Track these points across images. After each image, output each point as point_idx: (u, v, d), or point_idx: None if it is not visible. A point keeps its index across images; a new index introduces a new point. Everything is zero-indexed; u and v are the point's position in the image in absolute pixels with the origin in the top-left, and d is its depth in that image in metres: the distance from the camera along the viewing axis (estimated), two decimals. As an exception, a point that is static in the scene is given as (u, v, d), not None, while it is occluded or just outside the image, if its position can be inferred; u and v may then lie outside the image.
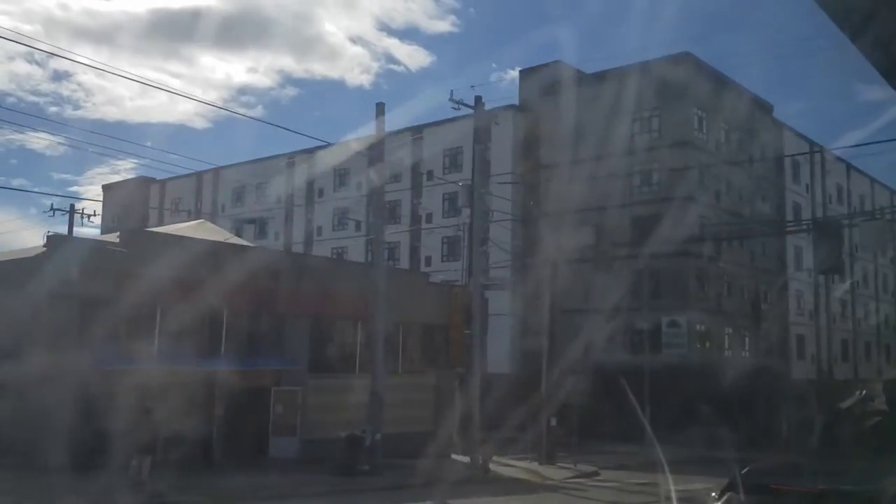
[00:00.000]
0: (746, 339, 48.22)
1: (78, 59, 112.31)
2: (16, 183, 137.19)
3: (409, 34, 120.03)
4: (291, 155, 60.94)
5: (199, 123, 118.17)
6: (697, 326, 44.55)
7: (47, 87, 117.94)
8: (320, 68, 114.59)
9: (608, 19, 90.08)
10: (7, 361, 20.50)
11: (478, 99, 31.03)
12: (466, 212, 34.87)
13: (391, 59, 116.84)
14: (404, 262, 53.36)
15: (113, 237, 24.75)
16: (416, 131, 54.04)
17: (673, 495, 7.70)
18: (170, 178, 65.16)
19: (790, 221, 49.36)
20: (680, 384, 37.99)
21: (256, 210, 63.76)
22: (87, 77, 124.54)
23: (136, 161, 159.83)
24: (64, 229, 41.47)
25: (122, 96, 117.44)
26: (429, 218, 53.47)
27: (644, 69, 43.62)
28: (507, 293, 47.87)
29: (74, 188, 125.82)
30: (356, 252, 53.86)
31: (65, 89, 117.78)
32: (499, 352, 48.05)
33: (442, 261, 51.20)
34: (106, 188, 76.13)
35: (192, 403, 22.95)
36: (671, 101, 44.64)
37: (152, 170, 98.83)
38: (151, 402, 20.32)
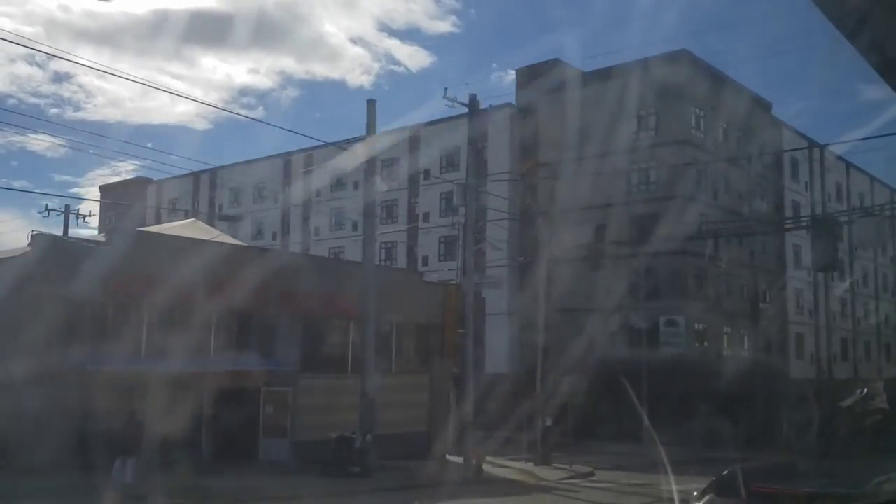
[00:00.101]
0: (745, 338, 47.92)
1: (79, 61, 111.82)
2: (17, 185, 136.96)
3: (409, 35, 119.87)
4: (289, 155, 60.73)
5: (200, 125, 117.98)
6: (696, 325, 44.29)
7: (48, 88, 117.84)
8: (321, 69, 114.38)
9: (608, 19, 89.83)
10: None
11: (472, 97, 30.73)
12: (463, 211, 34.58)
13: (392, 59, 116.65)
14: (401, 262, 53.14)
15: (101, 237, 24.46)
16: (414, 131, 53.83)
17: (676, 496, 7.33)
18: (167, 179, 64.96)
19: (789, 218, 49.07)
20: (678, 383, 37.72)
21: (254, 210, 63.59)
22: (87, 79, 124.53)
23: (137, 162, 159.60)
24: (60, 230, 41.18)
25: (122, 98, 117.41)
26: (426, 217, 53.24)
27: (642, 68, 43.38)
28: (506, 292, 47.63)
29: (75, 189, 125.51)
30: (354, 252, 53.42)
31: (65, 91, 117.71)
32: (497, 351, 47.79)
33: (439, 260, 50.98)
34: (103, 189, 76.04)
35: (180, 404, 22.61)
36: (669, 99, 44.34)
37: (153, 171, 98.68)
38: (136, 402, 20.04)
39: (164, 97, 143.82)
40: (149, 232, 27.38)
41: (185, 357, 23.32)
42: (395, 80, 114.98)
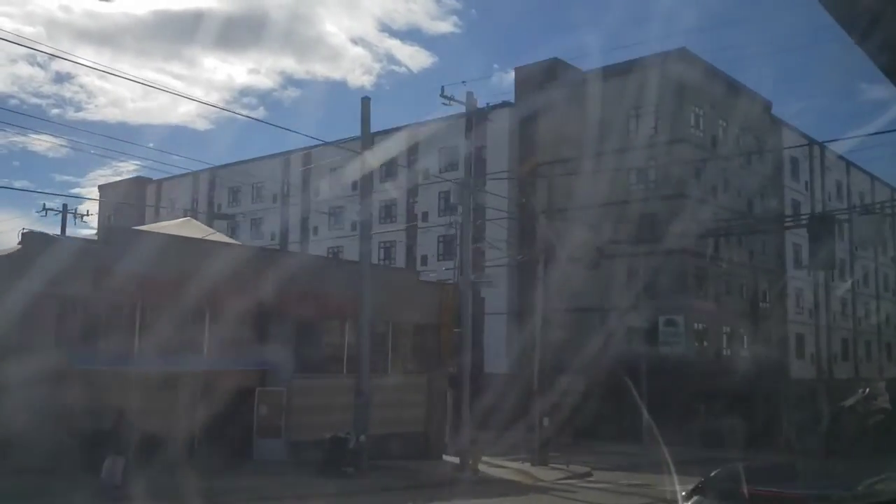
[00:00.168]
0: (745, 337, 47.69)
1: (80, 61, 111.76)
2: (18, 185, 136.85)
3: (410, 35, 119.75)
4: (287, 154, 60.60)
5: (201, 125, 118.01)
6: (695, 325, 44.10)
7: (49, 89, 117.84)
8: (322, 69, 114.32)
9: (609, 18, 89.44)
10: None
11: (469, 95, 30.59)
12: (460, 210, 34.38)
13: (393, 59, 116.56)
14: (400, 262, 52.98)
15: (94, 236, 24.29)
16: (413, 130, 53.63)
17: (679, 497, 7.12)
18: (166, 178, 64.92)
19: (789, 216, 48.85)
20: (677, 383, 37.56)
21: (253, 210, 63.48)
22: (88, 79, 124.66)
23: (138, 163, 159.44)
24: (59, 230, 41.04)
25: (123, 98, 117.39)
26: (424, 217, 53.07)
27: (641, 66, 43.20)
28: (505, 292, 47.49)
29: (76, 189, 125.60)
30: (353, 251, 52.92)
31: (67, 91, 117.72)
32: (496, 351, 47.63)
33: (438, 260, 50.77)
34: (102, 188, 75.93)
35: (173, 404, 22.52)
36: (668, 97, 44.11)
37: (155, 171, 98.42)
38: (127, 402, 19.85)
39: (166, 97, 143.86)
40: (141, 230, 27.20)
41: (177, 357, 23.21)
42: (395, 81, 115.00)
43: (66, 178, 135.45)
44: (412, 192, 53.84)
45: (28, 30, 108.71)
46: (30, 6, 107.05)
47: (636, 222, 43.02)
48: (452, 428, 30.22)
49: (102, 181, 79.14)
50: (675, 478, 9.22)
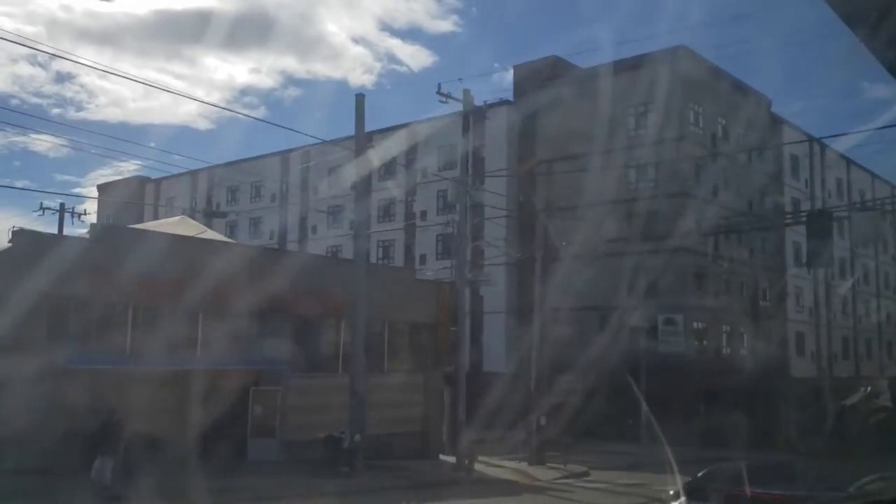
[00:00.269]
0: (745, 336, 47.50)
1: (81, 61, 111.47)
2: (19, 185, 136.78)
3: (411, 34, 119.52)
4: (286, 153, 60.43)
5: (202, 124, 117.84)
6: (695, 324, 43.90)
7: (50, 88, 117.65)
8: (323, 69, 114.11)
9: (612, 16, 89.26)
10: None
11: (466, 92, 30.47)
12: (458, 208, 34.20)
13: (394, 59, 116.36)
14: (399, 261, 52.78)
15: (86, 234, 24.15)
16: (411, 128, 53.47)
17: (682, 498, 6.94)
18: (164, 178, 64.73)
19: (789, 213, 48.63)
20: (677, 382, 37.38)
21: (251, 208, 63.32)
22: (89, 79, 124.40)
23: (139, 162, 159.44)
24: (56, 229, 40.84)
25: (124, 98, 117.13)
26: (423, 216, 52.86)
27: (640, 63, 42.98)
28: (504, 291, 47.32)
29: (77, 189, 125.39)
30: (351, 250, 52.82)
31: (68, 91, 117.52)
32: (495, 350, 47.46)
33: (437, 258, 50.55)
34: (101, 188, 75.76)
35: (166, 404, 22.39)
36: (667, 95, 43.87)
37: (156, 171, 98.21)
38: (120, 402, 19.71)
39: (166, 97, 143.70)
40: (133, 229, 27.04)
41: (171, 356, 23.06)
42: (397, 80, 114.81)
43: (67, 177, 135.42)
44: (411, 191, 53.64)
45: (29, 29, 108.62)
46: (31, 6, 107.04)
47: (635, 220, 42.84)
48: (450, 427, 30.06)
49: (103, 181, 78.98)
50: (678, 477, 8.97)
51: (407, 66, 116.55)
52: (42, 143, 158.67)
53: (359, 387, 23.88)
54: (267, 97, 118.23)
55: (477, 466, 26.74)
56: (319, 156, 52.37)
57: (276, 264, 26.21)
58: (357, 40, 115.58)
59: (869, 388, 40.52)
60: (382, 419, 27.41)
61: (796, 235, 48.31)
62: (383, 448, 26.49)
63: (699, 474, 7.65)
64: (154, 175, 67.63)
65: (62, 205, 43.18)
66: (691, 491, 7.54)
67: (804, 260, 46.14)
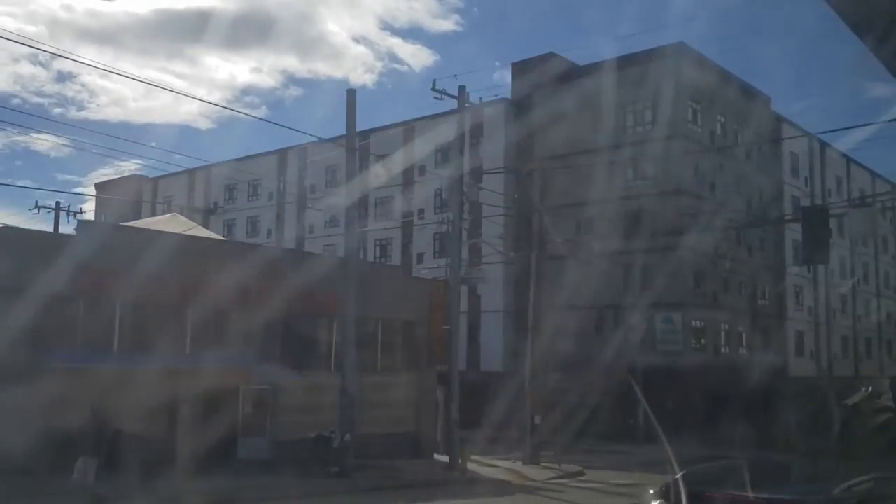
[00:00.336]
0: (744, 335, 47.20)
1: (82, 60, 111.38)
2: (29, 187, 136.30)
3: (412, 33, 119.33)
4: (283, 151, 60.19)
5: (203, 124, 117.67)
6: (693, 323, 43.61)
7: (51, 88, 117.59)
8: (324, 68, 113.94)
9: (613, 15, 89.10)
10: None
11: (461, 88, 30.19)
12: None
13: (395, 58, 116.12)
14: (396, 259, 52.51)
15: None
16: (409, 126, 53.23)
17: (684, 499, 6.61)
18: (162, 176, 64.53)
19: (788, 215, 48.30)
20: (675, 382, 37.11)
21: (249, 206, 63.08)
22: (90, 78, 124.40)
23: (140, 162, 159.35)
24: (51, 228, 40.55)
25: (126, 97, 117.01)
26: (420, 214, 52.56)
27: (638, 60, 42.70)
28: (501, 289, 47.02)
29: (79, 189, 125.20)
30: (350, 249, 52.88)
31: (69, 90, 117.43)
32: (492, 349, 47.26)
33: (434, 257, 50.25)
34: (99, 187, 75.53)
35: (154, 403, 22.02)
36: (666, 92, 43.54)
37: (157, 170, 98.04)
38: (107, 401, 19.40)
39: (168, 96, 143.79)
40: (120, 226, 26.72)
41: (158, 354, 22.71)
42: (398, 79, 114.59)
43: (68, 177, 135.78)
44: (408, 189, 53.32)
45: (30, 29, 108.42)
46: (32, 5, 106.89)
47: (633, 219, 42.48)
48: (444, 427, 29.76)
49: (103, 180, 78.77)
50: (680, 477, 8.60)
51: (408, 66, 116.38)
52: (43, 142, 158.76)
53: (349, 386, 23.57)
54: (268, 97, 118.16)
55: (471, 466, 26.45)
56: (317, 154, 52.12)
57: (267, 262, 25.91)
58: (358, 40, 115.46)
59: (870, 388, 40.22)
60: (375, 418, 27.13)
61: (796, 234, 47.97)
62: (376, 448, 26.18)
63: (676, 476, 7.33)
64: (155, 174, 67.50)
65: (58, 203, 43.05)
66: (667, 493, 7.22)
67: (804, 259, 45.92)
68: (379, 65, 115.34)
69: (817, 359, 53.04)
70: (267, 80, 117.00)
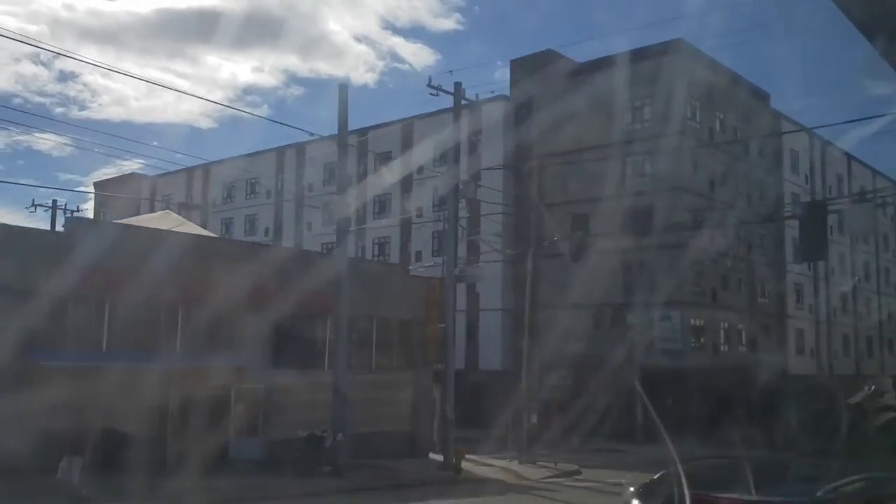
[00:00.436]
0: (743, 333, 46.91)
1: (84, 60, 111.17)
2: (27, 186, 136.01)
3: (413, 32, 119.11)
4: (281, 149, 59.96)
5: (205, 123, 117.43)
6: (692, 321, 43.32)
7: (53, 87, 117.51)
8: (325, 67, 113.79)
9: (617, 16, 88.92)
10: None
11: (457, 85, 29.95)
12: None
13: (396, 57, 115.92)
14: (395, 258, 52.23)
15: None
16: (407, 124, 52.93)
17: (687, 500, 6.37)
18: (161, 175, 64.32)
19: (788, 211, 47.98)
20: (674, 380, 36.85)
21: (247, 205, 62.87)
22: (92, 77, 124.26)
23: (142, 161, 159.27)
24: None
25: (127, 96, 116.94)
26: (419, 213, 52.29)
27: (637, 57, 42.39)
28: (500, 287, 46.74)
29: (80, 189, 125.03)
30: (348, 248, 52.58)
31: (71, 90, 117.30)
32: (491, 348, 46.99)
33: (432, 255, 49.96)
34: (98, 185, 75.37)
35: (145, 402, 21.79)
36: (664, 89, 43.24)
37: (158, 170, 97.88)
38: (91, 400, 19.18)
39: (169, 96, 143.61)
40: (109, 223, 26.47)
41: (148, 353, 22.49)
42: (399, 78, 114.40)
43: (70, 176, 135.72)
44: (406, 187, 53.07)
45: (32, 28, 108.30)
46: (34, 5, 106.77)
47: (631, 216, 42.20)
48: (440, 425, 29.51)
49: (102, 179, 78.57)
50: (683, 476, 8.30)
51: (409, 65, 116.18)
52: (45, 141, 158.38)
53: (341, 385, 23.34)
54: (269, 96, 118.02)
55: (466, 465, 26.23)
56: (315, 152, 51.87)
57: (260, 259, 25.67)
58: (360, 39, 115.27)
59: (873, 387, 39.93)
60: (370, 417, 26.91)
61: (796, 232, 47.52)
62: (370, 447, 25.96)
63: (656, 476, 7.08)
64: (157, 174, 67.32)
65: (54, 202, 42.84)
66: (647, 494, 6.97)
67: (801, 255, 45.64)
68: (380, 64, 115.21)
69: (818, 357, 52.76)
70: (269, 80, 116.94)
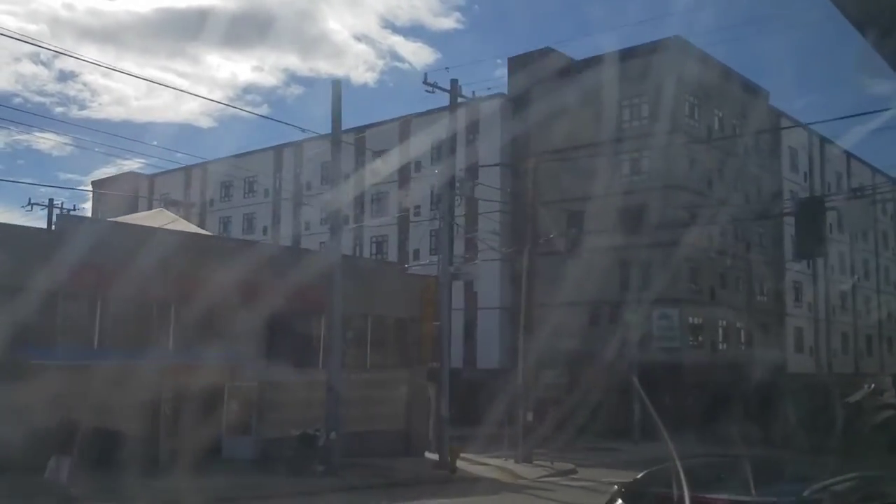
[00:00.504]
0: (742, 331, 46.73)
1: (84, 59, 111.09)
2: (25, 185, 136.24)
3: (413, 31, 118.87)
4: (279, 148, 59.81)
5: (205, 122, 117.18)
6: (691, 319, 43.16)
7: (53, 87, 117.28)
8: (325, 66, 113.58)
9: (619, 15, 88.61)
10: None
11: (453, 82, 29.82)
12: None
13: (396, 56, 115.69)
14: (392, 256, 52.08)
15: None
16: (404, 122, 52.76)
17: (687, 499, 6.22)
18: (159, 173, 64.26)
19: (787, 208, 47.78)
20: (672, 379, 36.70)
21: (244, 204, 62.72)
22: (92, 77, 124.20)
23: (142, 160, 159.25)
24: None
25: (127, 96, 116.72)
26: (416, 211, 52.12)
27: (635, 55, 42.23)
28: (498, 286, 46.58)
29: (81, 188, 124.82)
30: (344, 245, 52.27)
31: (71, 89, 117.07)
32: (489, 346, 46.83)
33: (430, 254, 49.76)
34: (95, 184, 75.23)
35: (137, 400, 21.62)
36: (662, 87, 43.03)
37: (159, 169, 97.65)
38: (83, 398, 19.01)
39: (169, 95, 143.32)
40: (100, 220, 26.31)
41: (140, 350, 22.32)
42: (399, 77, 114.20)
43: (70, 176, 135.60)
44: (404, 185, 52.89)
45: (31, 28, 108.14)
46: (33, 4, 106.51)
47: (629, 214, 42.01)
48: (436, 424, 29.33)
49: (100, 178, 78.42)
50: (683, 475, 8.11)
51: (409, 64, 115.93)
52: (46, 141, 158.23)
53: (335, 383, 23.15)
54: (269, 95, 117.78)
55: (462, 464, 26.04)
56: (313, 150, 51.71)
57: (253, 256, 25.49)
58: (359, 38, 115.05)
59: (873, 385, 39.75)
60: (364, 416, 26.74)
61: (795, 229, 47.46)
62: (365, 446, 25.78)
63: (639, 476, 6.89)
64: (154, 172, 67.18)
65: (51, 200, 42.62)
66: (630, 495, 6.78)
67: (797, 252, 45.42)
68: (380, 63, 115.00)
69: (816, 356, 52.59)
70: (268, 79, 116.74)
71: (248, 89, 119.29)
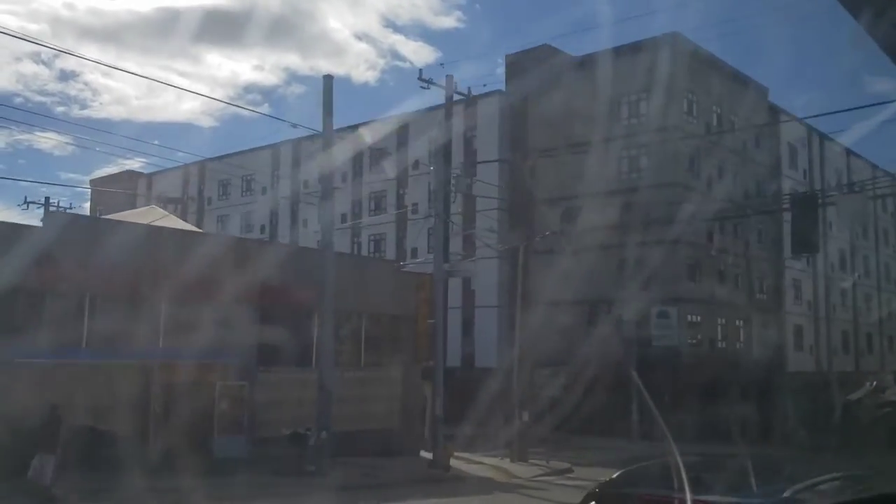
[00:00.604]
0: (741, 329, 46.44)
1: (85, 58, 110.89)
2: (24, 184, 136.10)
3: (414, 30, 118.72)
4: (276, 146, 59.56)
5: (206, 122, 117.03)
6: (689, 317, 42.87)
7: (54, 86, 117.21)
8: (326, 65, 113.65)
9: (619, 14, 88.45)
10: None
11: (449, 78, 29.61)
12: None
13: (397, 55, 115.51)
14: (391, 254, 51.83)
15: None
16: (403, 120, 52.43)
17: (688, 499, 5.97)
18: (156, 172, 64.15)
19: (786, 204, 47.48)
20: (671, 376, 36.43)
21: (242, 201, 62.49)
22: (93, 76, 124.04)
23: (143, 160, 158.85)
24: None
25: (128, 95, 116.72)
26: (414, 209, 51.84)
27: (632, 51, 41.95)
28: (496, 284, 46.31)
29: (81, 187, 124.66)
30: (342, 244, 52.20)
31: (72, 89, 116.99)
32: (487, 345, 46.51)
33: (428, 251, 49.49)
34: (94, 182, 75.08)
35: (127, 399, 21.39)
36: (661, 83, 42.74)
37: (159, 168, 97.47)
38: (69, 397, 18.78)
39: (170, 95, 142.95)
40: (89, 217, 26.06)
41: (129, 348, 22.08)
42: (399, 76, 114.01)
43: (71, 175, 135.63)
44: (402, 183, 52.65)
45: (32, 27, 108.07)
46: (34, 4, 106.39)
47: (627, 210, 41.76)
48: (431, 423, 29.09)
49: (98, 176, 78.29)
50: (684, 474, 7.83)
51: (410, 63, 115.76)
52: (47, 140, 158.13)
53: (326, 382, 22.90)
54: (271, 94, 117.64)
55: (457, 464, 25.81)
56: (309, 149, 51.45)
57: (246, 254, 25.29)
58: (360, 37, 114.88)
59: (875, 383, 39.55)
60: (358, 415, 26.53)
61: (795, 227, 47.11)
62: (359, 445, 25.53)
63: (614, 476, 6.64)
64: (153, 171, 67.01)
65: (47, 199, 42.37)
66: (602, 496, 6.52)
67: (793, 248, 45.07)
68: (381, 62, 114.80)
69: (816, 354, 52.29)
70: (269, 78, 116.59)
71: (249, 88, 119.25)
